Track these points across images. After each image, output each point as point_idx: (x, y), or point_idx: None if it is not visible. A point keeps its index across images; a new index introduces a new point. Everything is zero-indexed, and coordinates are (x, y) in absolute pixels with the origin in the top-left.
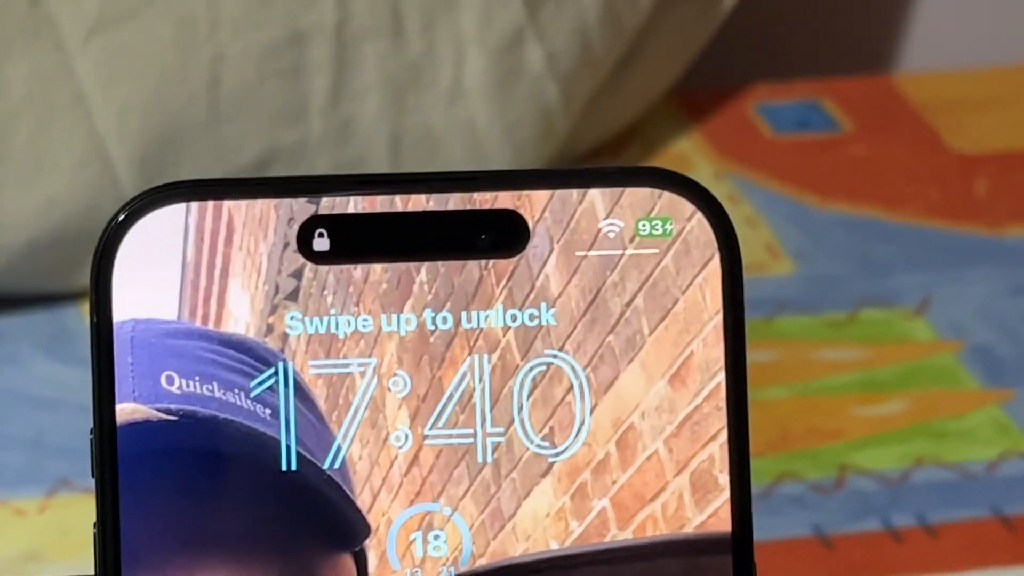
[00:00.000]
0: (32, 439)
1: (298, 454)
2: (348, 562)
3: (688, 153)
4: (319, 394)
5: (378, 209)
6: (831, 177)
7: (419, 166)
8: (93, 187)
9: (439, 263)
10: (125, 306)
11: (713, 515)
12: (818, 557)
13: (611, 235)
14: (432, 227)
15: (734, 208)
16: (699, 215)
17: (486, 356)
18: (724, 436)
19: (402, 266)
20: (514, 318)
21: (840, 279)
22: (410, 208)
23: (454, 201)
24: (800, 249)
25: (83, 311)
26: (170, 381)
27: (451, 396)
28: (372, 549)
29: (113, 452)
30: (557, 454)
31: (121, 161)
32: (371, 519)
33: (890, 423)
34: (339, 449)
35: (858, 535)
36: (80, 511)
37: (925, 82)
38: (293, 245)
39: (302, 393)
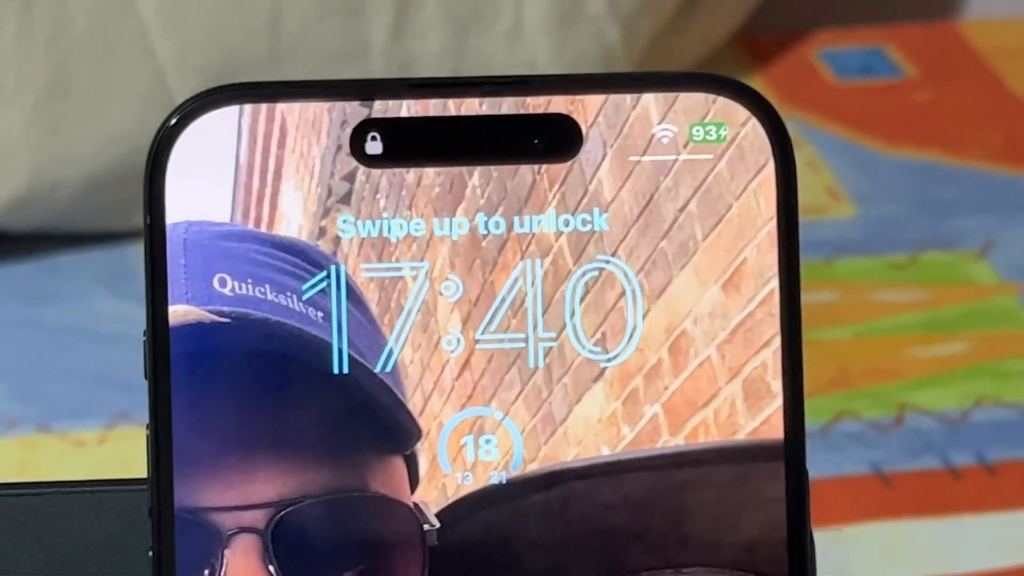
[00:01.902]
0: (93, 373)
1: (350, 357)
2: (400, 465)
3: None
4: (371, 298)
5: (431, 113)
6: (894, 122)
7: None
8: (154, 124)
9: (492, 167)
10: (178, 208)
11: (765, 422)
12: (876, 493)
13: (665, 140)
14: (485, 131)
15: (796, 152)
16: (753, 120)
17: (538, 261)
18: (777, 343)
19: (455, 170)
20: (567, 223)
21: (902, 222)
22: (463, 112)
23: (507, 105)
24: (862, 193)
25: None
26: (223, 283)
27: (503, 300)
28: (423, 453)
29: (166, 354)
30: (609, 359)
31: (182, 97)
32: (422, 423)
33: (950, 363)
34: (391, 352)
35: (916, 472)
36: (138, 443)
37: (989, 29)
38: (346, 148)
39: (354, 296)
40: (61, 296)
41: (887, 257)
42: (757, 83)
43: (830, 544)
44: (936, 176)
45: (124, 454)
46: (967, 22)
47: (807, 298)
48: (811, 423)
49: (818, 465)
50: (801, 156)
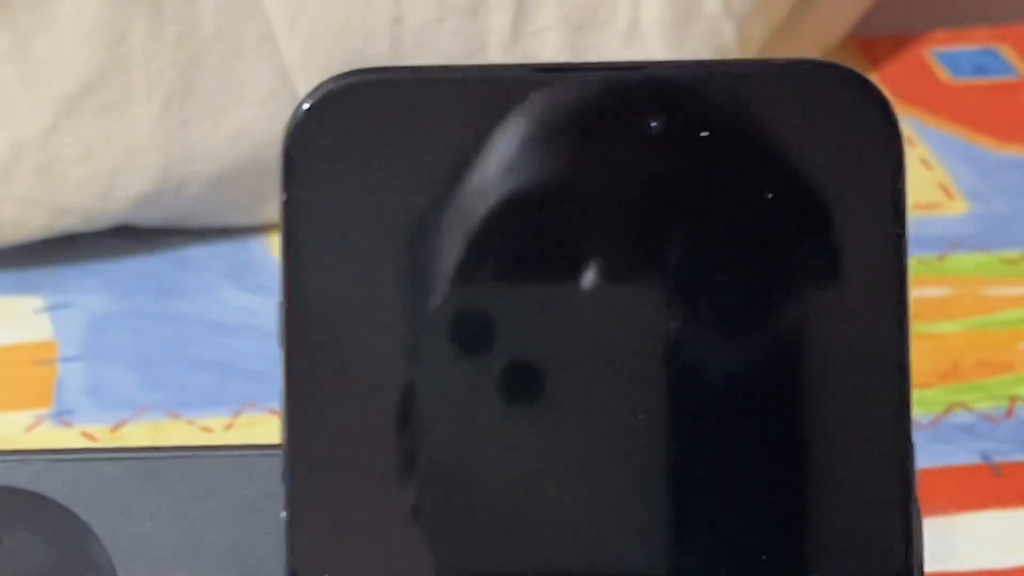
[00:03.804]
0: (220, 362)
1: None
2: None
3: None
4: None
5: None
6: (1008, 121)
7: None
8: (280, 121)
9: None
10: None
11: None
12: (986, 483)
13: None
14: None
15: (910, 150)
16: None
17: None
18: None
19: None
20: None
21: (1013, 218)
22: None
23: None
24: (975, 189)
25: (269, 242)
26: None
27: None
28: None
29: (298, 323)
30: None
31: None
32: None
33: None
34: None
35: None
36: (263, 429)
37: None
38: None
39: None
40: (189, 288)
41: (999, 253)
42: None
43: (937, 531)
44: None
45: (250, 440)
46: None
47: (919, 293)
48: (922, 415)
49: (929, 456)
50: (915, 154)
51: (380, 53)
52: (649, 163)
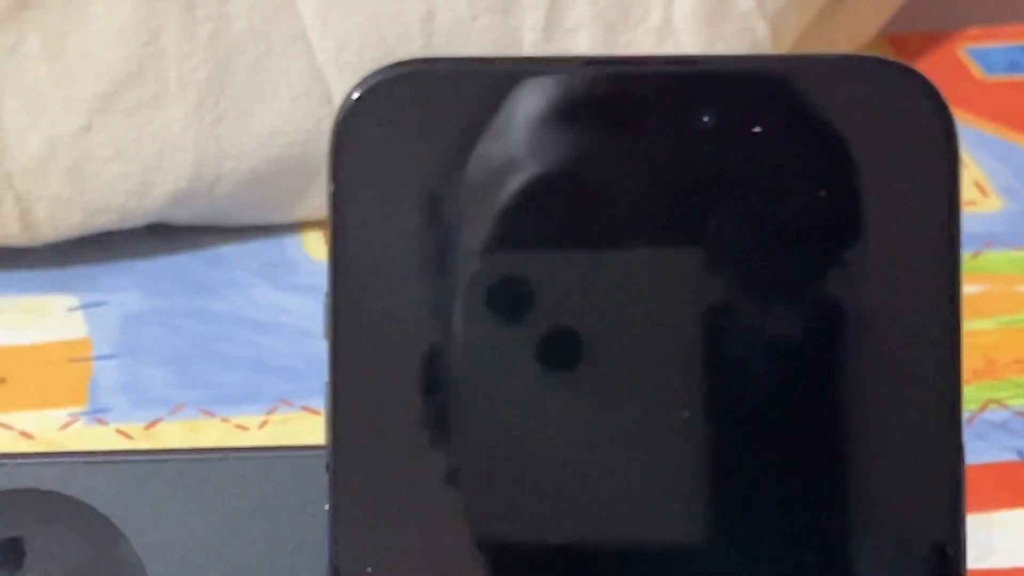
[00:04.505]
0: (253, 360)
1: None
2: None
3: None
4: None
5: None
6: None
7: None
8: (312, 119)
9: None
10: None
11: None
12: (1022, 480)
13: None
14: None
15: None
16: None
17: None
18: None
19: None
20: None
21: None
22: None
23: None
24: (1009, 186)
25: (302, 240)
26: None
27: None
28: None
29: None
30: None
31: (339, 93)
32: None
33: None
34: None
35: None
36: (297, 427)
37: None
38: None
39: None
40: (222, 286)
41: None
42: None
43: (974, 529)
44: None
45: (284, 437)
46: None
47: None
48: None
49: (965, 453)
50: None
51: (412, 50)
52: (700, 157)
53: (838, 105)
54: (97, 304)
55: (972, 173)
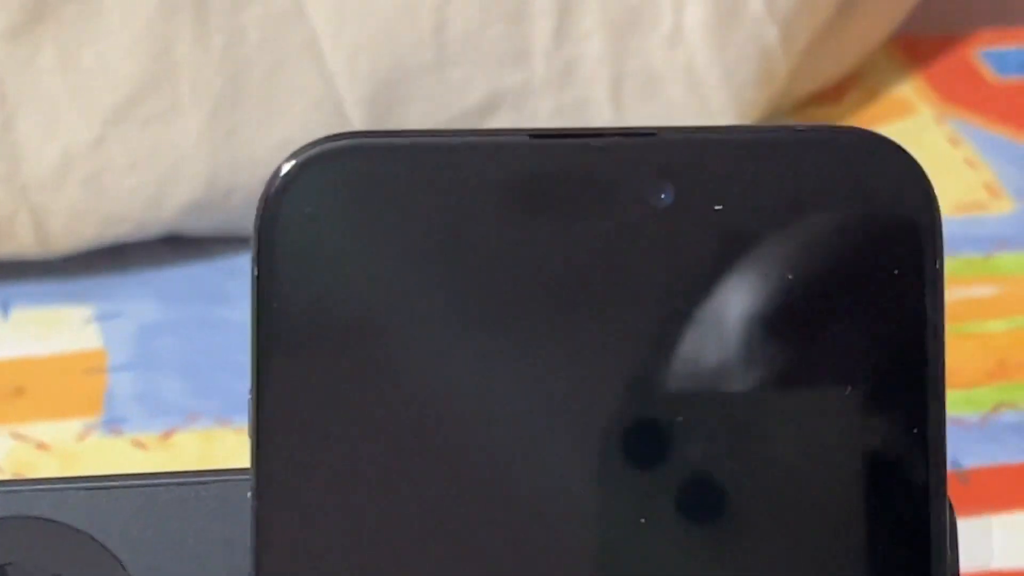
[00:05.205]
0: None
1: None
2: None
3: (910, 98)
4: None
5: None
6: None
7: (639, 108)
8: (324, 128)
9: None
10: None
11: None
12: None
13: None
14: None
15: (955, 150)
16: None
17: None
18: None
19: None
20: None
21: None
22: None
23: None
24: (1021, 188)
25: None
26: None
27: None
28: None
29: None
30: None
31: (351, 103)
32: None
33: None
34: None
35: None
36: None
37: None
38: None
39: None
40: (237, 296)
41: None
42: (916, 83)
43: (986, 531)
44: None
45: None
46: None
47: (967, 292)
48: (970, 414)
49: (976, 455)
50: (960, 154)
51: (424, 59)
52: (658, 239)
53: (808, 182)
54: (113, 315)
55: (983, 175)
